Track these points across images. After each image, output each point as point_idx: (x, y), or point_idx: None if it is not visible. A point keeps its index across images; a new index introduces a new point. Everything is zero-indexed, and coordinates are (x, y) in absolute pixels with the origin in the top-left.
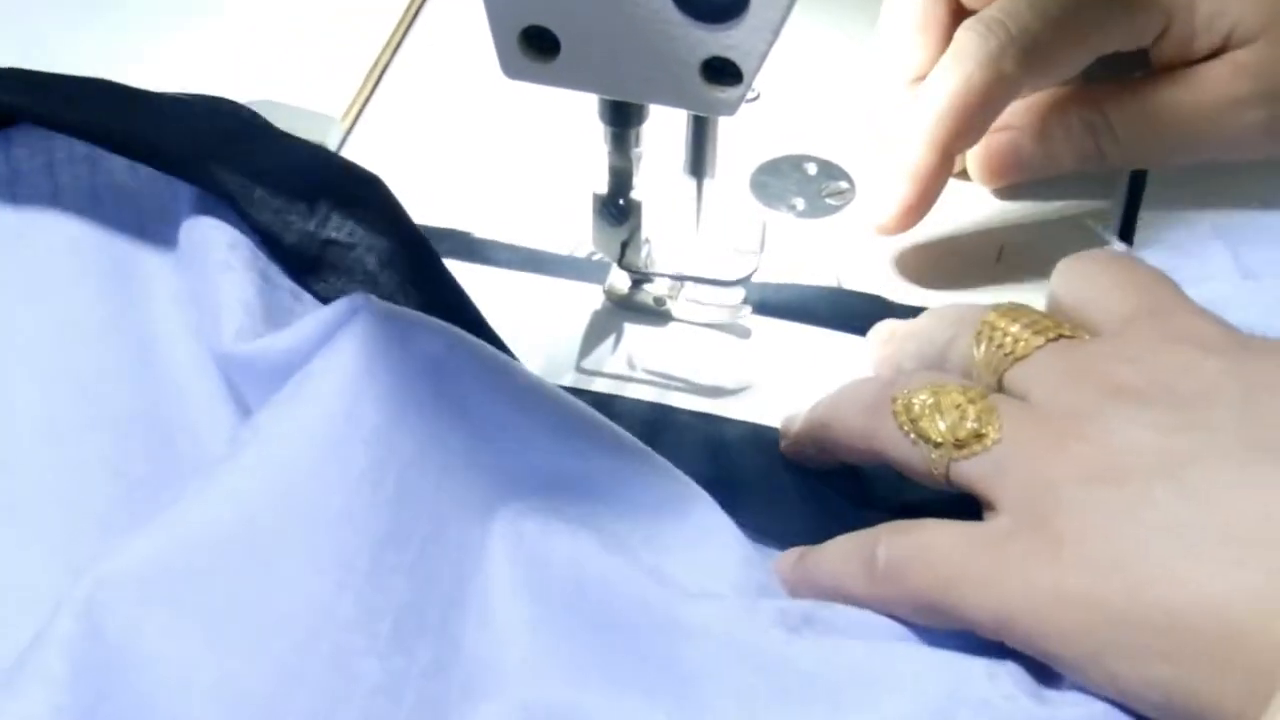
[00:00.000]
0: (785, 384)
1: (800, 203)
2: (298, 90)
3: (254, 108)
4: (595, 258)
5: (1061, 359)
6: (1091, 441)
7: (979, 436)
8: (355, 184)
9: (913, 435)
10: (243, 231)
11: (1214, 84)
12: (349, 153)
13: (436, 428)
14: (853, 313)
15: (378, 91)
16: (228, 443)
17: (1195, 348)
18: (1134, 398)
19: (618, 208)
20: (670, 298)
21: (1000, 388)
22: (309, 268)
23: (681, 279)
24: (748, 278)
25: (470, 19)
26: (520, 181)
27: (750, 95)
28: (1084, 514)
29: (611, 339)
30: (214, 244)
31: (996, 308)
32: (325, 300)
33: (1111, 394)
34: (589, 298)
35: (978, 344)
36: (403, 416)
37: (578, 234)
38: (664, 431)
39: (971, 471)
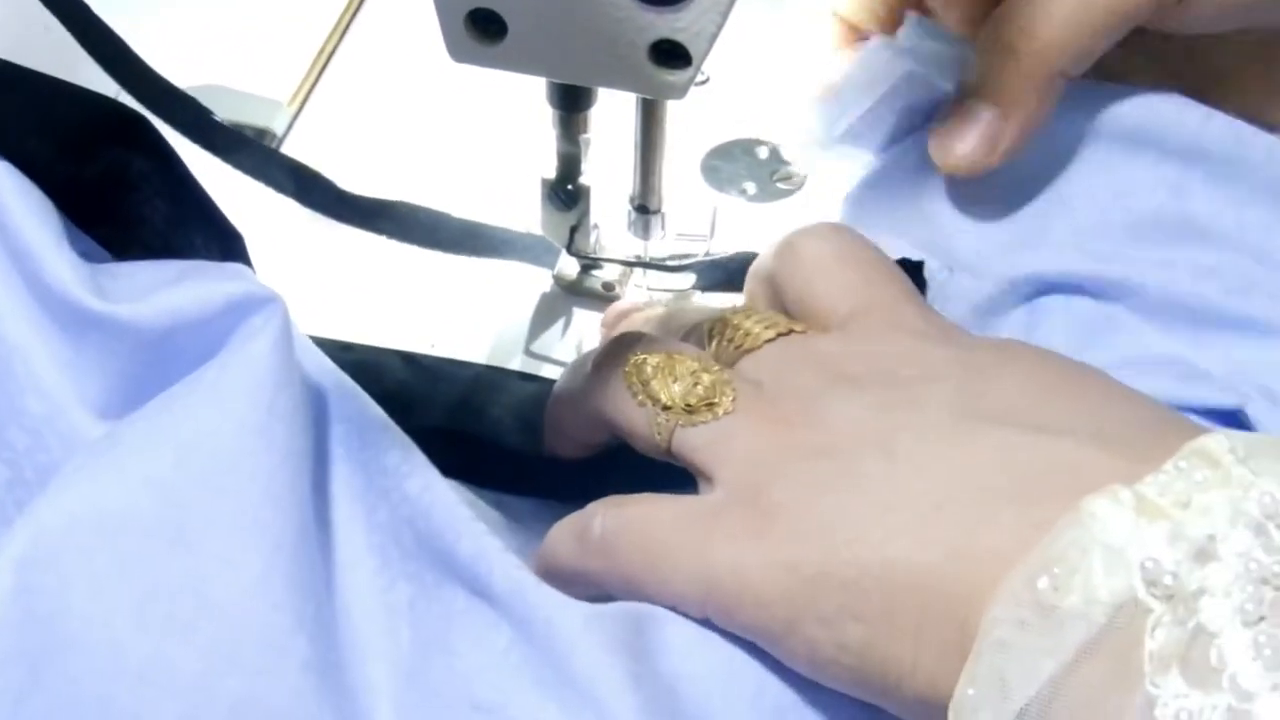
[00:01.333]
0: None
1: (751, 187)
2: (244, 75)
3: (200, 92)
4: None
5: (789, 351)
6: (811, 422)
7: (710, 405)
8: (125, 124)
9: (641, 396)
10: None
11: None
12: (296, 137)
13: (324, 430)
14: None
15: (325, 76)
16: (125, 420)
17: (919, 339)
18: (854, 383)
19: (566, 193)
20: (619, 283)
21: None
22: (89, 211)
23: (631, 264)
24: (698, 262)
25: (417, 2)
26: (468, 166)
27: (700, 78)
28: (795, 487)
29: (561, 323)
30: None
31: (732, 307)
32: (109, 245)
33: (834, 380)
34: (538, 283)
35: (709, 338)
36: (304, 415)
37: (527, 219)
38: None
39: (695, 440)
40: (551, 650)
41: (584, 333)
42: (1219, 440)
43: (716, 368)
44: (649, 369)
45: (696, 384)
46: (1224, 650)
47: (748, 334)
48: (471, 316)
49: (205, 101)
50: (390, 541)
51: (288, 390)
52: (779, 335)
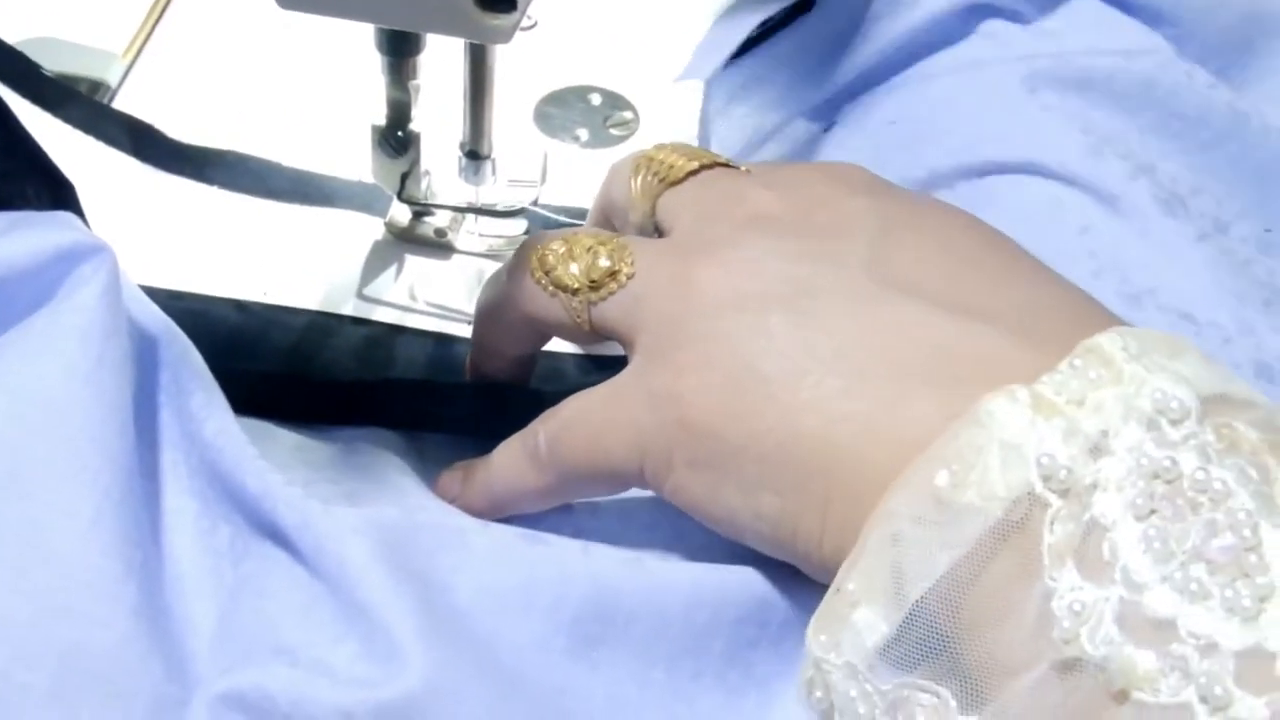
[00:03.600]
0: None
1: (584, 133)
2: (78, 26)
3: (33, 45)
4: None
5: (710, 185)
6: (720, 269)
7: (613, 274)
8: None
9: (550, 287)
10: None
11: None
12: (130, 88)
13: (153, 377)
14: None
15: (159, 27)
16: None
17: (841, 184)
18: (768, 226)
19: (397, 139)
20: (451, 229)
21: (654, 216)
22: None
23: (462, 210)
24: (529, 208)
25: None
26: (301, 115)
27: (527, 23)
28: (704, 344)
29: (393, 270)
30: None
31: (660, 145)
32: None
33: (747, 222)
34: (370, 230)
35: (635, 175)
36: (132, 363)
37: (358, 166)
38: (447, 361)
39: (611, 312)
40: (343, 584)
41: (416, 279)
42: (1112, 339)
43: (612, 238)
44: (550, 258)
45: (596, 259)
46: (1116, 543)
47: (671, 166)
48: (303, 265)
49: (38, 54)
50: (206, 485)
51: (116, 339)
52: (701, 167)
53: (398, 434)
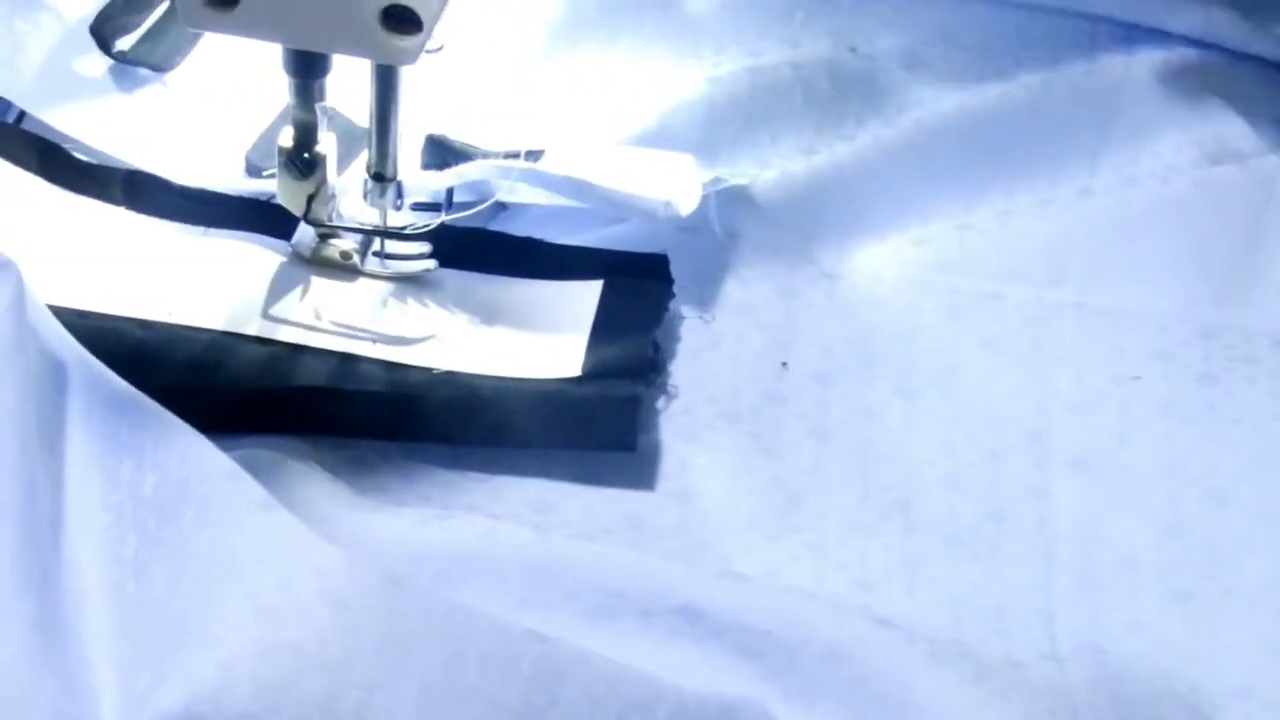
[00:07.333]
0: (470, 331)
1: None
2: None
3: None
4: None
5: None
6: None
7: None
8: None
9: None
10: None
11: None
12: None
13: (61, 398)
14: (538, 261)
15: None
16: None
17: None
18: None
19: (303, 161)
20: (357, 252)
21: None
22: None
23: (368, 233)
24: (434, 232)
25: None
26: (209, 134)
27: (432, 45)
28: None
29: (298, 292)
30: None
31: None
32: None
33: None
34: (276, 253)
35: None
36: (36, 381)
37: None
38: (350, 377)
39: None
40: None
41: (321, 301)
42: None
43: None
44: None
45: None
46: None
47: None
48: (208, 286)
49: None
50: (127, 498)
51: (20, 355)
52: None
53: (300, 441)
